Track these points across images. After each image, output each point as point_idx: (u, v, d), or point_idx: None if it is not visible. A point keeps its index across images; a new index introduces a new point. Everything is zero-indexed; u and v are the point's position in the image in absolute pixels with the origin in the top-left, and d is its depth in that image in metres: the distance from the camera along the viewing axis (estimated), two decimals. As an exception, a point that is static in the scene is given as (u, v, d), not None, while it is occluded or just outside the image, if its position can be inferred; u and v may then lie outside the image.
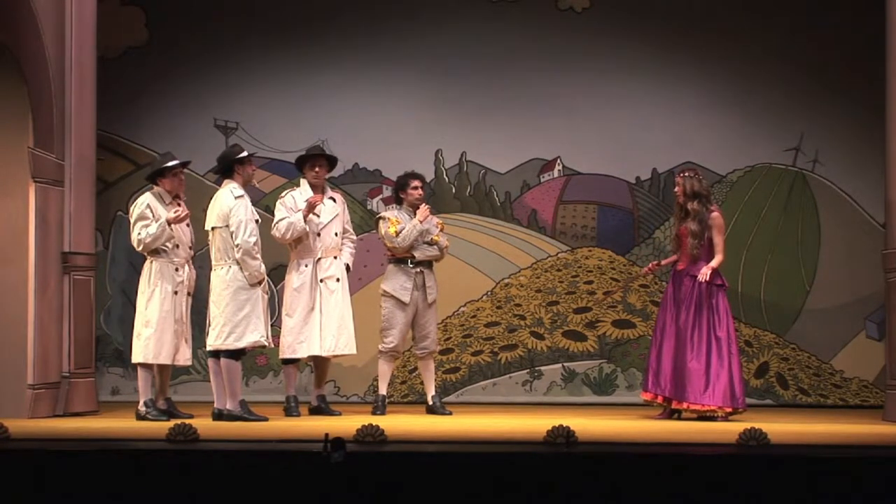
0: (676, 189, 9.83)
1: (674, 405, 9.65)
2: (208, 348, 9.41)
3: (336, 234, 10.14)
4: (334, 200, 10.25)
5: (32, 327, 9.72)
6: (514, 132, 12.17)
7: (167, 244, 9.54)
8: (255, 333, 9.33)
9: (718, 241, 9.71)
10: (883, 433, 8.73)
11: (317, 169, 10.13)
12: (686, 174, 9.84)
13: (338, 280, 10.07)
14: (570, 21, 12.22)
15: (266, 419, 9.38)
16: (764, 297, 12.08)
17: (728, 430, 8.51)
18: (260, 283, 9.39)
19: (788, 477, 7.13)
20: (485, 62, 12.16)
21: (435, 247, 10.28)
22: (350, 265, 10.26)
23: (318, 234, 10.04)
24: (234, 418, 9.25)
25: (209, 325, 9.38)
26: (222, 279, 9.33)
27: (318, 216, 10.03)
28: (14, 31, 9.62)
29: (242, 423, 9.10)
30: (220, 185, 9.67)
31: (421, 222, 10.19)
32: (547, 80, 12.15)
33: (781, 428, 8.64)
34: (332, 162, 10.34)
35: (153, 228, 9.47)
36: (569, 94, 12.16)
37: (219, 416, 9.32)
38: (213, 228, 9.39)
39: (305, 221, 9.90)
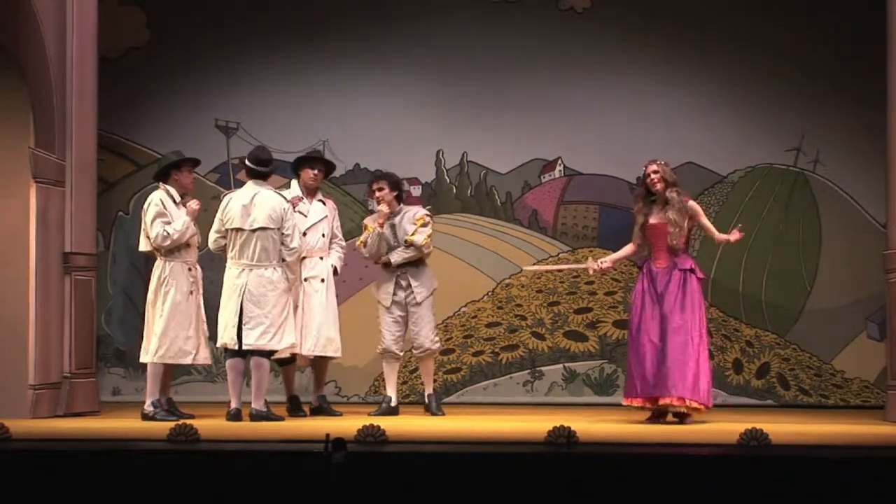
0: (654, 177, 9.36)
1: (669, 401, 9.18)
2: (247, 347, 9.30)
3: (323, 236, 10.09)
4: (324, 203, 10.21)
5: (33, 327, 9.72)
6: (515, 132, 12.17)
7: (180, 245, 9.54)
8: (291, 335, 9.47)
9: (708, 222, 9.46)
10: (884, 433, 8.72)
11: (315, 172, 10.13)
12: (661, 162, 9.45)
13: (322, 280, 10.03)
14: (571, 21, 12.21)
15: (283, 418, 9.45)
16: (765, 298, 12.08)
17: (728, 430, 8.51)
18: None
19: (789, 477, 7.13)
20: (486, 62, 12.16)
21: (411, 248, 10.04)
22: (338, 268, 10.21)
23: (304, 234, 10.00)
24: (262, 418, 9.25)
25: (245, 325, 9.25)
26: (268, 280, 9.31)
27: (306, 216, 10.01)
28: (15, 32, 9.63)
29: (243, 424, 9.10)
30: (232, 185, 9.68)
31: (381, 225, 10.06)
32: (548, 80, 12.15)
33: (782, 428, 8.63)
34: (329, 168, 10.34)
35: (179, 224, 9.45)
36: (570, 94, 12.16)
37: (235, 416, 9.29)
38: (261, 229, 9.31)
39: None
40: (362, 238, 10.13)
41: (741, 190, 12.13)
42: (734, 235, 9.39)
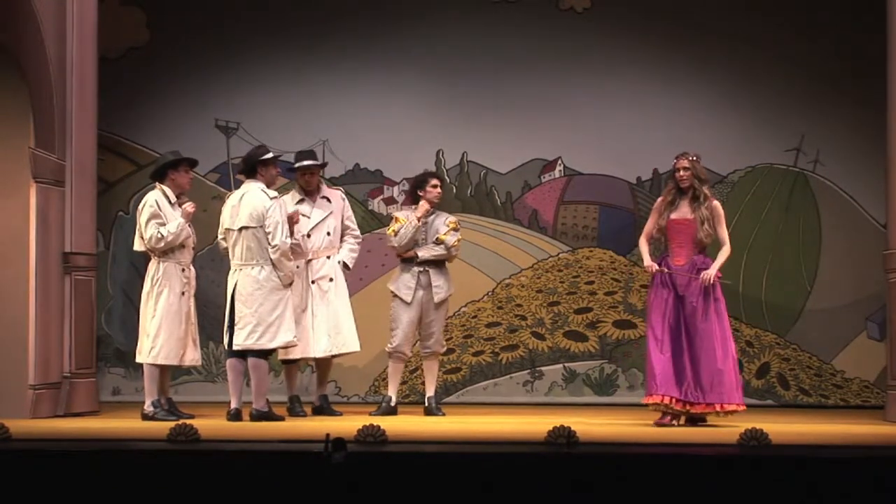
0: (683, 174, 9.21)
1: (699, 409, 9.01)
2: (236, 348, 9.32)
3: (329, 234, 10.09)
4: (329, 200, 10.20)
5: (33, 328, 9.72)
6: (516, 132, 12.17)
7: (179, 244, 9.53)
8: (287, 333, 9.39)
9: (725, 231, 9.21)
10: (884, 433, 8.73)
11: (306, 177, 10.13)
12: (693, 157, 9.28)
13: (331, 280, 10.03)
14: (571, 21, 12.21)
15: (283, 419, 9.47)
16: (765, 298, 12.08)
17: (728, 430, 8.51)
18: (291, 284, 9.44)
19: (789, 477, 7.13)
20: (486, 62, 12.16)
21: (441, 246, 10.17)
22: (348, 262, 10.19)
23: (308, 235, 9.99)
24: (262, 417, 9.26)
25: (236, 325, 9.27)
26: (254, 279, 9.28)
27: (308, 217, 10.00)
28: (15, 32, 9.62)
29: (243, 424, 9.10)
30: (232, 186, 9.64)
31: (419, 219, 10.15)
32: (548, 80, 12.15)
33: (782, 428, 8.63)
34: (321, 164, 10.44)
35: (173, 227, 9.44)
36: (570, 94, 12.16)
37: (235, 416, 9.30)
38: (243, 228, 9.30)
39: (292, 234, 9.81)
40: (394, 227, 10.15)
41: (741, 190, 12.13)
42: (705, 278, 9.09)
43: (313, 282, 10.00)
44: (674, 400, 9.01)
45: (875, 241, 11.39)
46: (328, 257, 10.09)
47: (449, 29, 12.21)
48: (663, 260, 9.33)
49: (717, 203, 9.30)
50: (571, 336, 12.09)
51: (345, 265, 10.16)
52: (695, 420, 9.17)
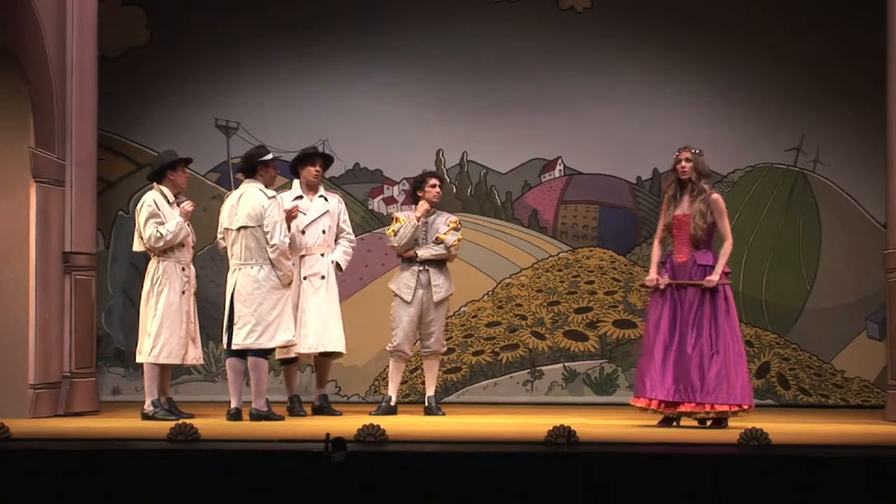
0: (685, 164, 9.05)
1: (686, 408, 8.89)
2: (235, 347, 9.35)
3: (324, 232, 10.10)
4: (326, 199, 10.22)
5: (33, 327, 9.72)
6: (515, 132, 12.17)
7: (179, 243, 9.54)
8: (286, 332, 9.42)
9: (726, 224, 9.04)
10: (884, 433, 8.73)
11: (317, 168, 10.16)
12: (695, 151, 9.11)
13: (323, 277, 10.03)
14: (571, 21, 12.22)
15: (283, 418, 9.49)
16: (765, 297, 12.08)
17: (728, 430, 8.50)
18: (290, 283, 9.46)
19: (789, 477, 7.13)
20: (486, 62, 12.17)
21: (441, 245, 10.21)
22: (341, 263, 10.20)
23: (303, 232, 10.00)
24: (262, 417, 9.28)
25: (235, 325, 9.30)
26: (253, 279, 9.30)
27: (305, 213, 10.01)
28: (15, 31, 9.62)
29: (243, 424, 9.10)
30: (231, 185, 9.66)
31: (418, 219, 10.15)
32: (548, 79, 12.16)
33: (782, 428, 8.63)
34: (328, 161, 10.38)
35: (172, 226, 9.45)
36: (570, 93, 12.17)
37: (235, 415, 9.31)
38: (242, 228, 9.32)
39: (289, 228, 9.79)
40: (393, 227, 10.17)
41: (741, 190, 12.13)
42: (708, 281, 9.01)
43: (305, 278, 10.00)
44: (662, 405, 8.95)
45: (875, 241, 11.39)
46: (322, 255, 10.10)
47: (449, 28, 12.22)
48: (668, 259, 9.21)
49: (716, 196, 9.10)
50: (571, 336, 12.10)
51: (337, 265, 10.17)
52: (671, 420, 9.05)
